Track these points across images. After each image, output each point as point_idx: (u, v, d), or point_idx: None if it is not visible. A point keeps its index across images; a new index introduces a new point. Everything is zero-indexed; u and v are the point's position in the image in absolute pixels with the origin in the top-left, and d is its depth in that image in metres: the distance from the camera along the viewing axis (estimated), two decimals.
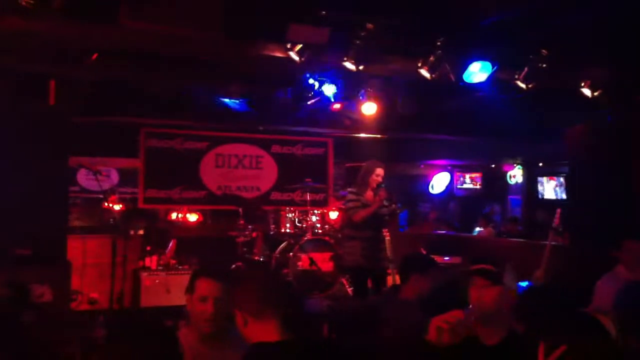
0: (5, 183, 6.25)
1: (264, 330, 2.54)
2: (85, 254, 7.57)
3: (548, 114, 8.08)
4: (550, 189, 12.53)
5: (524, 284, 6.47)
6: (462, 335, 2.65)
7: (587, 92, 6.74)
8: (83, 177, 10.37)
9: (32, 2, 4.15)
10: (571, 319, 2.33)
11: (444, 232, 11.56)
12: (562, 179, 12.16)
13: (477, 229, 11.96)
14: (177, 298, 6.79)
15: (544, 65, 6.21)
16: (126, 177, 10.75)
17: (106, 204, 9.41)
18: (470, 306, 2.86)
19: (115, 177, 10.60)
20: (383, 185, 6.61)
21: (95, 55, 5.54)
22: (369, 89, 7.59)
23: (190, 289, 3.06)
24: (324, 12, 5.33)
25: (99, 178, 6.95)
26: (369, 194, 6.65)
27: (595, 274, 5.03)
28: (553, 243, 7.03)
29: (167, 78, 7.10)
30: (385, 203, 6.55)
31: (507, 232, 11.66)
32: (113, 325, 5.73)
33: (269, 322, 2.55)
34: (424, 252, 9.12)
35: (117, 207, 9.34)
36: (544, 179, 12.60)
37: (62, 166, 6.67)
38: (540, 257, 6.88)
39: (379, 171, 6.65)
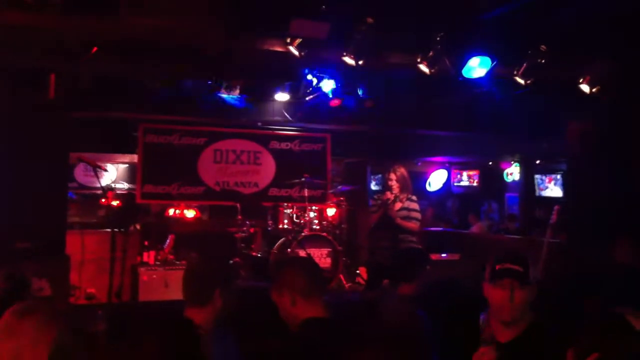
0: (4, 177, 6.26)
1: (311, 308, 2.89)
2: (83, 249, 7.55)
3: (546, 111, 8.09)
4: (548, 186, 12.56)
5: None
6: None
7: (585, 88, 6.74)
8: (80, 174, 10.37)
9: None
10: (602, 323, 2.29)
11: (441, 229, 11.59)
12: (559, 176, 12.18)
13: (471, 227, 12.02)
14: (175, 293, 6.80)
15: (543, 61, 6.21)
16: (123, 173, 10.76)
17: (104, 200, 9.40)
18: (492, 306, 2.83)
19: (113, 172, 10.60)
20: (393, 189, 6.79)
21: (94, 50, 5.52)
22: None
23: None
24: (324, 7, 5.33)
25: (98, 173, 6.93)
26: (387, 195, 6.90)
27: (592, 270, 5.05)
28: (551, 240, 7.05)
29: (165, 72, 7.10)
30: (404, 205, 6.71)
31: (506, 229, 11.70)
32: (112, 320, 5.71)
33: (316, 300, 2.91)
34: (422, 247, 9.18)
35: (114, 203, 9.33)
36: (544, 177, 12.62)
37: (62, 160, 6.68)
38: (537, 254, 6.90)
39: (391, 175, 6.85)
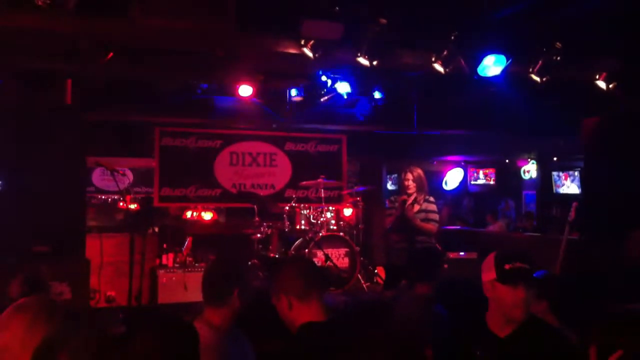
0: (23, 181, 6.33)
1: (309, 311, 2.79)
2: (102, 252, 7.62)
3: (562, 108, 8.04)
4: (565, 183, 12.48)
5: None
6: None
7: (602, 84, 6.70)
8: (98, 178, 10.46)
9: (48, 1, 4.16)
10: (624, 319, 2.29)
11: (458, 227, 11.55)
12: (576, 173, 12.10)
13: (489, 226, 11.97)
14: (194, 295, 6.84)
15: (558, 58, 6.18)
16: (140, 177, 10.83)
17: (122, 203, 9.48)
18: (502, 305, 2.82)
19: (130, 176, 10.68)
20: (409, 190, 6.82)
21: (110, 55, 5.57)
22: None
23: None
24: (337, 8, 5.35)
25: (115, 177, 6.99)
26: (404, 197, 6.90)
27: (610, 268, 5.02)
28: (569, 237, 7.00)
29: (178, 74, 7.14)
30: (422, 206, 6.75)
31: (523, 227, 11.64)
32: (132, 322, 5.76)
33: (313, 303, 2.80)
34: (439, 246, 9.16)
35: (132, 207, 9.40)
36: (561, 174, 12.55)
37: (80, 164, 6.75)
38: (555, 252, 6.86)
39: (407, 175, 6.87)
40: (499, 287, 2.79)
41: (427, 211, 6.81)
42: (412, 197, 6.85)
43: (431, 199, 6.92)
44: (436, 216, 6.89)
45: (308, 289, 2.81)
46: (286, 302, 2.80)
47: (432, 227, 6.79)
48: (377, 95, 8.12)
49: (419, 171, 6.98)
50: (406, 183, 6.92)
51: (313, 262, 3.14)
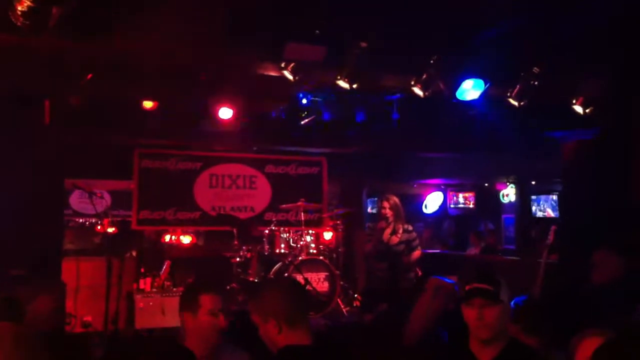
0: (1, 205, 6.22)
1: (295, 335, 2.70)
2: (78, 276, 7.51)
3: (541, 131, 8.12)
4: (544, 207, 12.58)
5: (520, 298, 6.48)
6: None
7: (579, 109, 6.78)
8: (76, 200, 10.35)
9: (27, 21, 4.12)
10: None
11: (438, 250, 11.57)
12: (554, 197, 12.21)
13: (470, 248, 11.98)
14: (172, 320, 6.74)
15: (536, 83, 6.26)
16: (119, 199, 10.72)
17: (99, 226, 9.37)
18: (469, 326, 2.89)
19: (108, 199, 10.56)
20: (387, 217, 6.89)
21: (90, 75, 5.53)
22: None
23: (193, 306, 3.10)
24: (317, 31, 5.37)
25: (93, 200, 6.91)
26: (381, 224, 7.07)
27: (588, 290, 5.04)
28: (548, 261, 7.03)
29: (160, 95, 7.11)
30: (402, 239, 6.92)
31: (491, 245, 11.69)
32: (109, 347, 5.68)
33: (301, 327, 2.72)
34: (419, 271, 9.15)
35: (110, 230, 9.30)
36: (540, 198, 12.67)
37: (58, 186, 6.66)
38: (534, 275, 6.88)
39: (384, 203, 6.95)
40: (463, 308, 2.88)
41: (408, 241, 6.94)
42: (391, 227, 6.94)
43: (409, 227, 7.08)
44: (417, 241, 7.09)
45: (297, 313, 2.74)
46: (275, 325, 2.69)
47: (418, 252, 6.93)
48: (358, 117, 8.15)
49: (395, 199, 7.07)
50: (383, 212, 7.02)
51: (301, 285, 3.04)
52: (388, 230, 6.93)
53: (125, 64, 5.60)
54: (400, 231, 6.93)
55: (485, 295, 2.82)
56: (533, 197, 12.77)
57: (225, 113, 7.49)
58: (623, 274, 4.77)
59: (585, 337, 2.40)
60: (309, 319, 2.83)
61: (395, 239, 6.88)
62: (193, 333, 3.10)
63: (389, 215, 6.97)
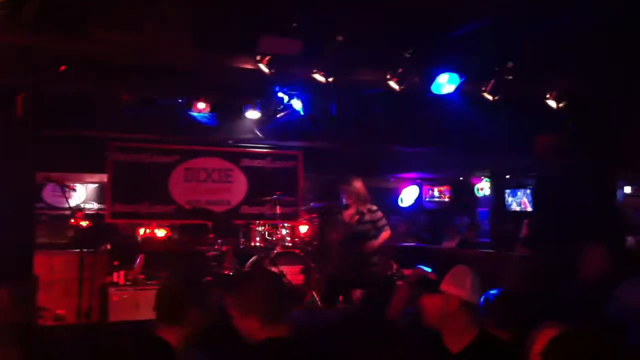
0: None
1: (276, 330, 2.67)
2: (51, 270, 7.44)
3: (515, 126, 8.19)
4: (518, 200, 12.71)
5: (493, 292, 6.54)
6: None
7: (552, 103, 6.86)
8: (49, 194, 10.23)
9: (2, 12, 4.06)
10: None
11: (413, 244, 11.62)
12: (528, 191, 12.33)
13: (446, 241, 12.06)
14: (146, 313, 6.71)
15: (510, 77, 6.31)
16: (93, 193, 10.64)
17: (73, 220, 9.28)
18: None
19: (82, 192, 10.47)
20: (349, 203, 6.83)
21: (63, 67, 5.46)
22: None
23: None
24: (294, 24, 5.35)
25: (66, 193, 6.83)
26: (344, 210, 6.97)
27: (560, 284, 5.09)
28: (520, 254, 7.10)
29: (135, 90, 7.06)
30: (367, 218, 6.79)
31: (468, 238, 11.77)
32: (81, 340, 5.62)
33: (282, 322, 2.70)
34: (394, 264, 9.20)
35: (83, 224, 9.22)
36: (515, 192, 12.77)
37: (29, 180, 6.56)
38: (507, 268, 6.94)
39: (343, 189, 6.92)
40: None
41: (373, 221, 6.81)
42: (353, 209, 6.84)
43: (373, 207, 6.88)
44: (384, 221, 6.88)
45: (280, 309, 2.72)
46: (256, 321, 2.66)
47: (387, 232, 6.83)
48: (333, 111, 8.15)
49: (355, 183, 6.92)
50: (344, 198, 6.95)
51: (282, 279, 2.96)
52: (351, 212, 6.84)
53: (98, 58, 5.54)
54: (364, 211, 6.82)
55: (423, 285, 3.03)
56: (507, 190, 12.88)
57: (201, 106, 7.47)
58: (609, 271, 4.82)
59: (544, 328, 2.44)
60: (289, 314, 2.79)
61: (355, 219, 6.79)
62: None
63: (349, 200, 6.90)
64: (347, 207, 6.90)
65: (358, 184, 6.90)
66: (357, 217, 6.76)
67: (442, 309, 2.91)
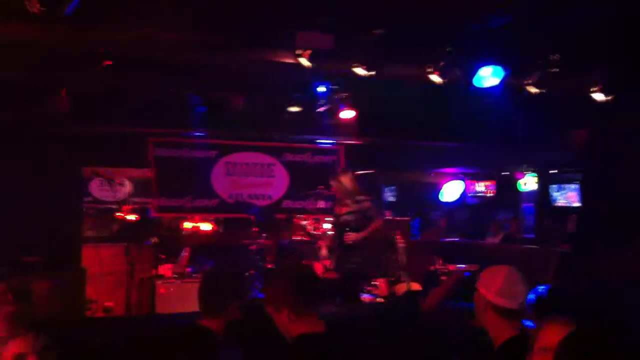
0: (17, 192, 6.32)
1: (308, 324, 2.71)
2: (100, 263, 7.61)
3: (557, 120, 8.05)
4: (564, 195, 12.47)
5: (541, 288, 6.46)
6: None
7: (599, 96, 6.71)
8: (96, 188, 10.44)
9: (44, 8, 4.15)
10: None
11: (456, 239, 11.53)
12: (573, 186, 12.09)
13: (489, 237, 11.93)
14: (192, 305, 6.81)
15: (555, 70, 6.20)
16: (139, 187, 10.82)
17: (119, 213, 9.48)
18: None
19: (128, 186, 10.66)
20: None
21: (105, 63, 5.58)
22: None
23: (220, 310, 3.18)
24: (330, 18, 5.36)
25: (113, 186, 6.99)
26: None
27: (606, 280, 5.01)
28: (565, 250, 7.00)
29: (174, 86, 7.15)
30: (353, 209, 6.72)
31: (512, 234, 11.63)
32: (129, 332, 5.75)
33: (311, 315, 2.73)
34: (439, 259, 9.12)
35: (130, 217, 9.39)
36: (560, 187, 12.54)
37: (75, 174, 6.74)
38: (552, 264, 6.85)
39: (332, 184, 6.94)
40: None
41: (361, 211, 6.69)
42: (343, 203, 6.81)
43: (361, 198, 6.73)
44: (374, 211, 6.72)
45: (306, 301, 2.74)
46: (286, 314, 2.71)
47: (375, 224, 6.65)
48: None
49: (343, 178, 6.82)
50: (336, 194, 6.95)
51: (309, 273, 2.98)
52: (337, 206, 6.85)
53: (138, 53, 5.63)
54: (352, 204, 6.78)
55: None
56: (553, 185, 12.65)
57: (243, 101, 7.55)
58: None
59: (548, 323, 2.41)
60: (319, 307, 2.82)
61: (343, 210, 6.75)
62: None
63: (339, 194, 6.88)
64: (339, 200, 6.88)
65: (345, 179, 6.80)
66: (344, 209, 6.74)
67: (476, 306, 2.95)
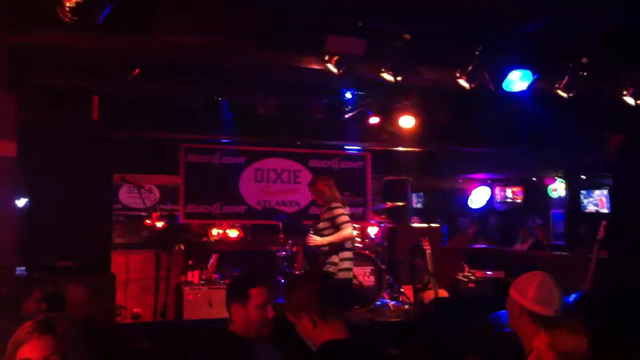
0: (49, 197, 6.40)
1: (330, 329, 2.67)
2: (128, 269, 7.68)
3: (588, 124, 7.94)
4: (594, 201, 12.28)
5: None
6: None
7: (630, 100, 6.60)
8: (125, 195, 10.53)
9: (76, 17, 4.20)
10: None
11: (484, 246, 11.43)
12: (605, 191, 11.89)
13: (518, 243, 11.80)
14: (219, 311, 6.85)
15: (585, 74, 6.11)
16: (167, 194, 10.90)
17: (148, 220, 9.55)
18: None
19: (156, 193, 10.74)
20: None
21: (137, 70, 5.64)
22: (406, 102, 7.63)
23: (243, 298, 3.15)
24: (360, 23, 5.35)
25: (142, 193, 7.04)
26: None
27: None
28: (598, 256, 6.87)
29: (204, 91, 7.19)
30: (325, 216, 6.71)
31: (541, 240, 11.49)
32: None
33: (333, 321, 2.69)
34: (465, 265, 9.05)
35: (159, 224, 9.46)
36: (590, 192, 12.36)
37: (106, 180, 6.81)
38: (584, 271, 6.73)
39: (310, 190, 6.99)
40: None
41: (331, 218, 6.59)
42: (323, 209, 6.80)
43: (334, 205, 6.61)
44: (344, 218, 6.55)
45: (328, 306, 2.71)
46: (308, 321, 2.68)
47: (343, 233, 6.49)
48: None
49: (319, 183, 6.78)
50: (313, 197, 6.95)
51: (328, 278, 2.93)
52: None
53: (166, 58, 5.67)
54: (324, 211, 6.69)
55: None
56: (583, 191, 12.46)
57: (270, 107, 7.58)
58: None
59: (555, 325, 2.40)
60: (342, 312, 2.80)
61: (322, 217, 6.70)
62: (241, 324, 3.15)
63: (318, 200, 6.87)
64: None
65: (321, 185, 6.74)
66: (322, 215, 6.73)
67: (509, 312, 2.95)
